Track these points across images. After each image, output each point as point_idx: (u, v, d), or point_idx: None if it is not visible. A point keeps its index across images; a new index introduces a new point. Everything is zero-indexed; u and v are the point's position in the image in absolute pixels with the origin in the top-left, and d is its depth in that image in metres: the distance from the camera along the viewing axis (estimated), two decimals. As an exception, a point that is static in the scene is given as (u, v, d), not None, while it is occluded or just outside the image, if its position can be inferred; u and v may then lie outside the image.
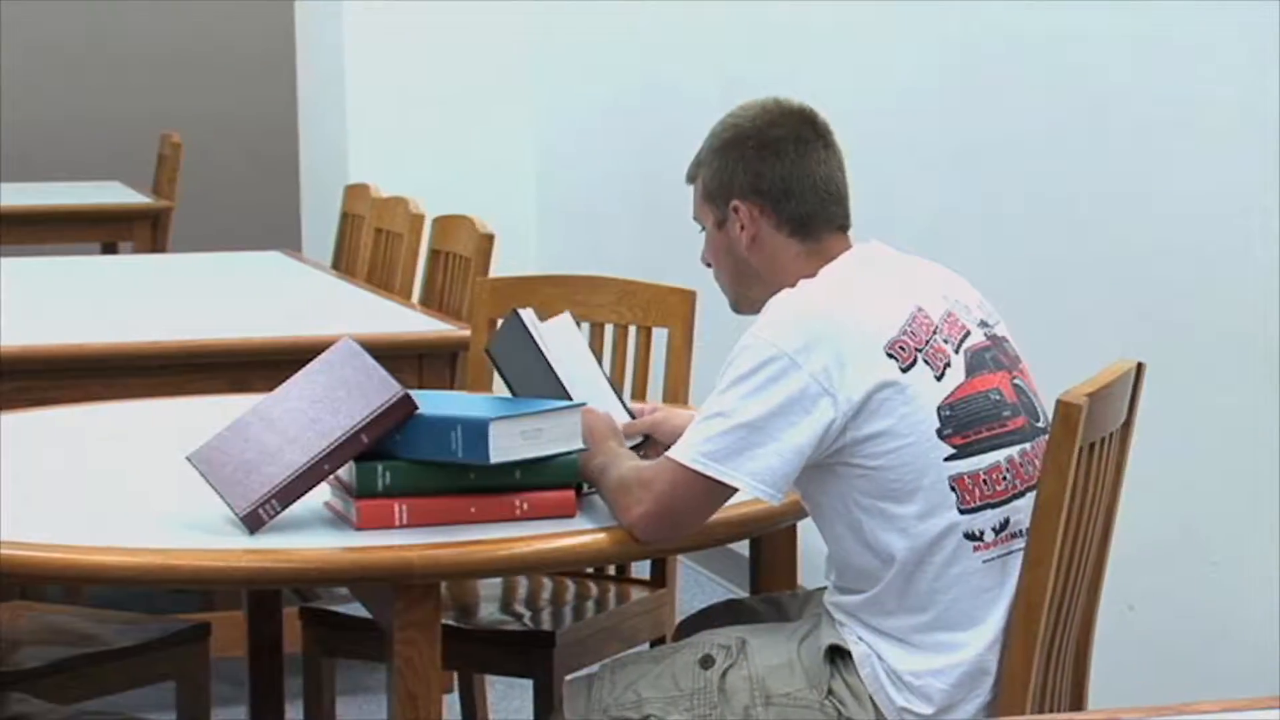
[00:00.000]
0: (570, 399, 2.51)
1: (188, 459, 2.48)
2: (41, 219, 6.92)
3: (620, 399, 2.75)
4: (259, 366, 3.67)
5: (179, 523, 2.43)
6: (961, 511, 2.35)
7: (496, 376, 2.74)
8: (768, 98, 2.54)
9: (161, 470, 2.67)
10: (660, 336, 3.42)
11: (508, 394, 2.63)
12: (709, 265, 2.57)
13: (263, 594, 3.30)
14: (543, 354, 2.57)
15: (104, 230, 7.23)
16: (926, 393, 2.34)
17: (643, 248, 5.54)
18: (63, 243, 6.92)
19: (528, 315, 2.60)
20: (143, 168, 8.05)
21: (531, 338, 2.58)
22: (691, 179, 2.56)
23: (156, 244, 6.99)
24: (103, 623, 3.06)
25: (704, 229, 2.55)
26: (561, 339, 2.69)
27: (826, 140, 2.51)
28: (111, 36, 8.97)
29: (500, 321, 2.77)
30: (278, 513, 2.36)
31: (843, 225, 2.51)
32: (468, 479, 2.38)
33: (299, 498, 2.37)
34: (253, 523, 2.35)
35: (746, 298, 2.49)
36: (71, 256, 5.76)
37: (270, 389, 2.54)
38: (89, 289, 4.76)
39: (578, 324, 3.41)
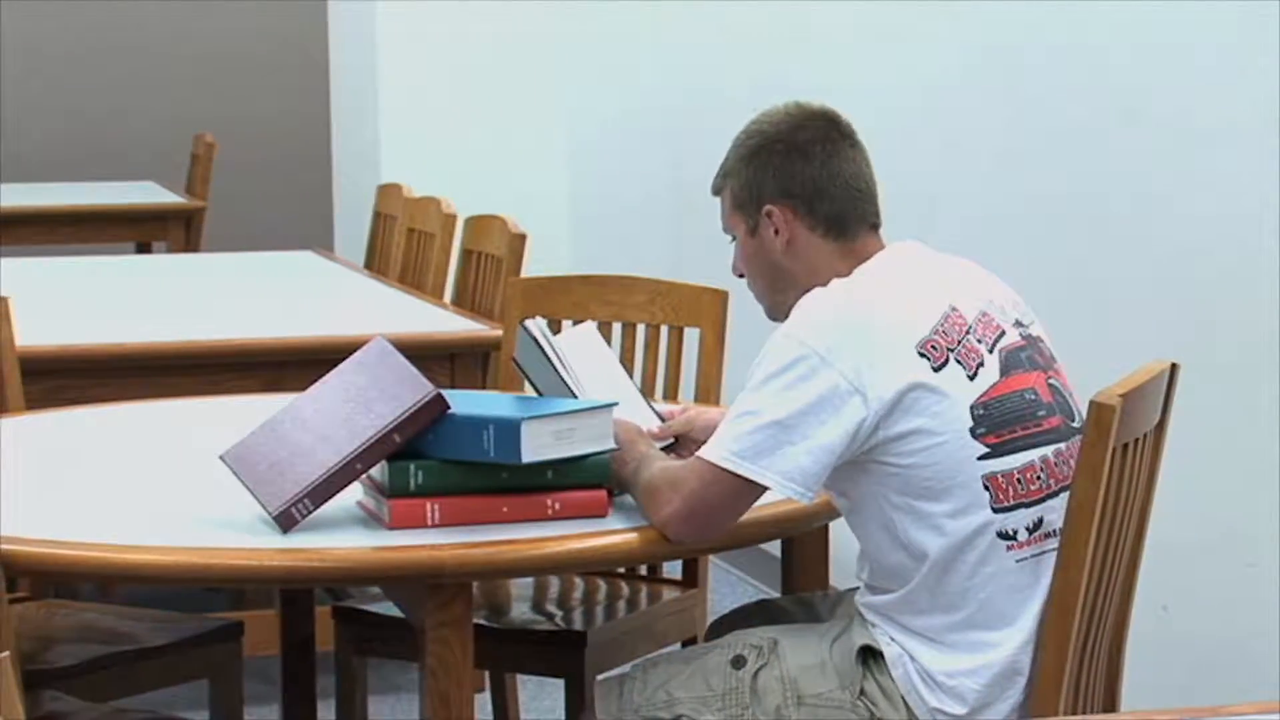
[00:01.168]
0: None
1: (221, 458, 2.48)
2: (76, 219, 6.96)
3: (649, 404, 2.74)
4: (291, 366, 3.68)
5: (212, 522, 2.44)
6: (995, 510, 2.34)
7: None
8: (788, 102, 2.54)
9: (194, 469, 2.68)
10: (692, 336, 3.42)
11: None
12: (741, 276, 2.56)
13: (295, 593, 3.30)
14: (552, 364, 2.57)
15: (138, 230, 7.26)
16: (959, 392, 2.34)
17: (675, 248, 5.54)
18: (97, 242, 6.95)
19: (535, 326, 2.60)
20: (177, 168, 8.08)
21: (541, 348, 2.58)
22: (718, 190, 2.56)
23: (190, 244, 7.02)
24: (136, 621, 3.07)
25: (734, 239, 2.55)
26: (585, 348, 2.69)
27: (852, 139, 2.50)
28: (146, 38, 9.00)
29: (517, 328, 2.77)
30: (310, 512, 2.36)
31: (874, 223, 2.51)
32: (500, 478, 2.39)
33: (331, 497, 2.38)
34: (285, 522, 2.36)
35: (783, 304, 2.47)
36: (106, 256, 5.79)
37: (303, 388, 2.54)
38: (123, 289, 4.78)
39: (607, 327, 3.43)
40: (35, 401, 3.42)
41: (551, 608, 3.22)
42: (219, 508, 2.47)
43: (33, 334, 3.58)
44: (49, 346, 3.67)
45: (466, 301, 4.40)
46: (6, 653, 1.46)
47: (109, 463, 2.90)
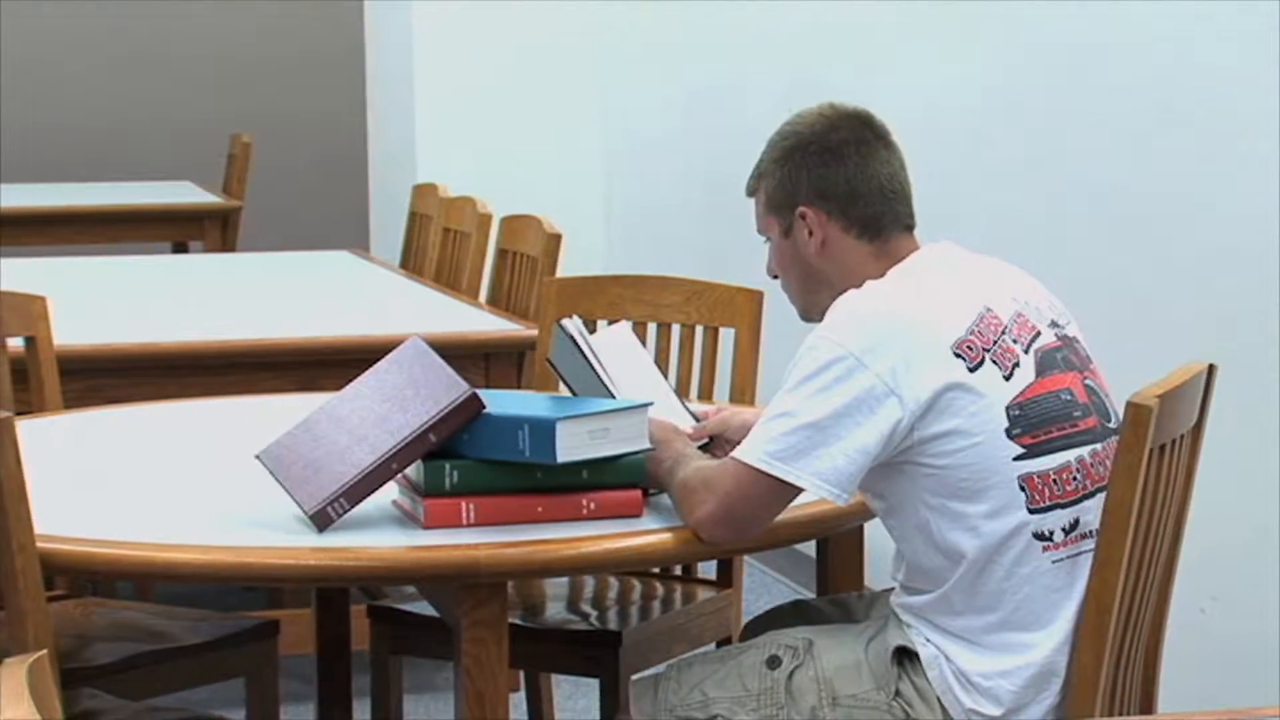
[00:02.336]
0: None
1: (257, 457, 2.49)
2: (113, 218, 6.99)
3: (684, 404, 2.74)
4: (328, 366, 3.69)
5: (248, 521, 2.45)
6: (1031, 511, 2.34)
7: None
8: (823, 103, 2.53)
9: (231, 469, 2.68)
10: (727, 336, 3.42)
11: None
12: (775, 277, 2.56)
13: (331, 592, 3.31)
14: (589, 362, 2.57)
15: (175, 230, 7.30)
16: (994, 392, 2.33)
17: (710, 248, 5.54)
18: (134, 242, 6.99)
19: (572, 325, 2.60)
20: (213, 168, 8.11)
21: (578, 347, 2.58)
22: (752, 192, 2.56)
23: (226, 244, 7.05)
24: (173, 619, 3.08)
25: (769, 240, 2.55)
26: (619, 347, 2.69)
27: (886, 141, 2.50)
28: (182, 38, 9.04)
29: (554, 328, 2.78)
30: (346, 511, 2.37)
31: (909, 224, 2.50)
32: (535, 478, 2.39)
33: (367, 496, 2.38)
34: (321, 521, 2.36)
35: (816, 305, 2.47)
36: (142, 256, 5.81)
37: (339, 388, 2.55)
38: (160, 288, 4.80)
39: (642, 327, 3.43)
40: (72, 400, 3.44)
41: (586, 608, 3.22)
42: (255, 507, 2.48)
43: (70, 333, 3.60)
44: (86, 346, 3.69)
45: (502, 301, 4.40)
46: (44, 651, 1.47)
47: (145, 462, 2.91)
